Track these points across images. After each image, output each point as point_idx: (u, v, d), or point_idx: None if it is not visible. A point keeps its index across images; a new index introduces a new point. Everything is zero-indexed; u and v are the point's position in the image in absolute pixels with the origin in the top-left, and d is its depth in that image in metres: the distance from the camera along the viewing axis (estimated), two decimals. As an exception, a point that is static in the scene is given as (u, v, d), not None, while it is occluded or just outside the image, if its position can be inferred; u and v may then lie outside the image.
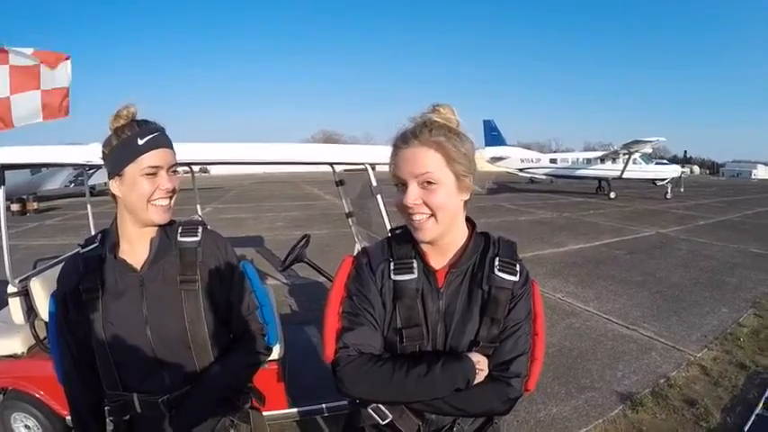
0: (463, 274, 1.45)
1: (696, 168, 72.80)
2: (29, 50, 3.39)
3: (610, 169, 27.02)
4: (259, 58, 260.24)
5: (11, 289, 3.29)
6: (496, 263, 1.43)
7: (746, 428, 3.72)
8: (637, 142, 24.71)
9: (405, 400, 1.39)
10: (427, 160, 1.30)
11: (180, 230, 1.65)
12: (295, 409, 3.35)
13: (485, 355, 1.40)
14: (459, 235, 1.46)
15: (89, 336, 1.56)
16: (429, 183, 1.31)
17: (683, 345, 5.51)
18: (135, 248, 1.60)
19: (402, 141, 1.35)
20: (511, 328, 1.42)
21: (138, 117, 1.55)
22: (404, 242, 1.49)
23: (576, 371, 4.87)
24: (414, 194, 1.32)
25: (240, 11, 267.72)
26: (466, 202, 1.42)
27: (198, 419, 1.61)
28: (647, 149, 26.62)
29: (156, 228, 1.61)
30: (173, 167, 1.56)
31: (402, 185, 1.35)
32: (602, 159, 27.48)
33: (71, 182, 25.13)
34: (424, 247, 1.45)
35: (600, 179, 28.33)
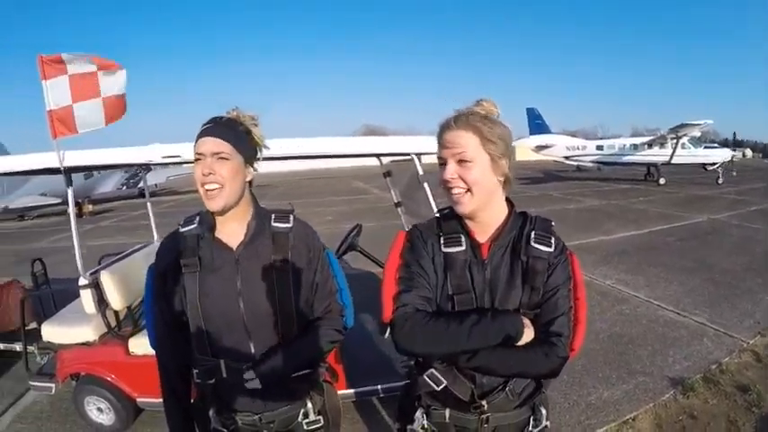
0: (504, 247, 1.60)
1: (748, 151, 69.81)
2: (86, 56, 3.59)
3: (658, 155, 26.22)
4: (292, 55, 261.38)
5: (82, 281, 3.57)
6: (533, 236, 1.58)
7: None
8: (684, 126, 23.91)
9: (459, 350, 1.51)
10: (463, 141, 1.50)
11: (273, 217, 1.83)
12: (352, 390, 3.52)
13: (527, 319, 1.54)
14: (499, 212, 1.63)
15: (185, 305, 1.75)
16: (464, 161, 1.50)
17: (735, 331, 5.44)
18: (230, 230, 1.78)
19: (444, 126, 1.56)
20: (549, 292, 1.56)
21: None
22: (451, 219, 1.66)
23: (627, 356, 4.90)
24: (451, 170, 1.52)
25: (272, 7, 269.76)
26: (505, 183, 1.59)
27: (274, 376, 1.75)
28: (696, 133, 25.75)
29: (251, 213, 1.82)
30: (217, 155, 1.67)
31: (443, 164, 1.55)
32: (650, 145, 26.64)
33: (123, 184, 25.95)
34: (469, 223, 1.62)
35: (648, 165, 27.48)
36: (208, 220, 1.78)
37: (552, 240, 1.59)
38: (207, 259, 1.74)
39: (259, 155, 1.85)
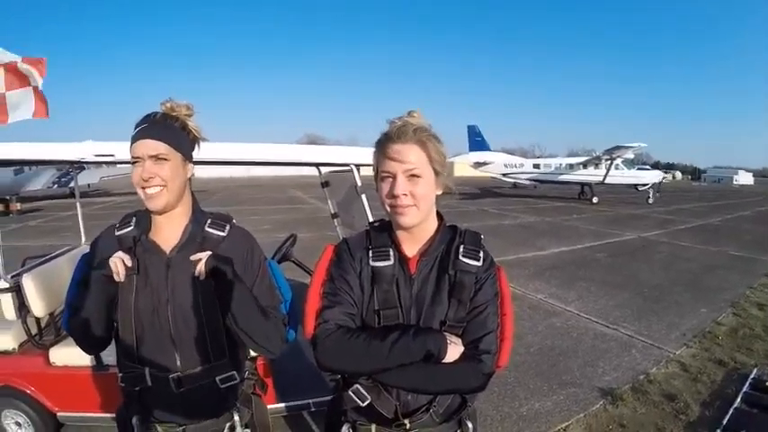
0: (432, 261, 1.59)
1: (678, 174, 73.69)
2: (17, 57, 3.49)
3: (592, 174, 27.36)
4: (240, 58, 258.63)
5: (2, 285, 3.29)
6: (461, 250, 1.57)
7: (725, 422, 3.81)
8: (618, 148, 25.16)
9: (381, 367, 1.47)
10: (414, 156, 1.47)
11: (209, 222, 1.73)
12: (282, 404, 3.38)
13: (454, 335, 1.51)
14: (431, 225, 1.62)
15: (114, 306, 1.63)
16: (414, 176, 1.47)
17: (662, 343, 5.62)
18: (165, 233, 1.69)
19: (392, 138, 1.49)
20: (478, 308, 1.54)
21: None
22: (381, 233, 1.64)
23: (558, 368, 4.96)
24: (403, 185, 1.46)
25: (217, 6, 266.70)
26: (437, 196, 1.58)
27: (230, 287, 1.61)
28: (629, 155, 27.09)
29: (189, 216, 1.73)
30: (155, 156, 1.59)
31: (390, 178, 1.49)
32: (585, 165, 27.77)
33: (54, 183, 24.83)
34: (400, 236, 1.60)
35: (582, 184, 28.58)
36: (144, 222, 1.69)
37: (481, 254, 1.58)
38: (140, 262, 1.64)
39: (197, 148, 1.76)
